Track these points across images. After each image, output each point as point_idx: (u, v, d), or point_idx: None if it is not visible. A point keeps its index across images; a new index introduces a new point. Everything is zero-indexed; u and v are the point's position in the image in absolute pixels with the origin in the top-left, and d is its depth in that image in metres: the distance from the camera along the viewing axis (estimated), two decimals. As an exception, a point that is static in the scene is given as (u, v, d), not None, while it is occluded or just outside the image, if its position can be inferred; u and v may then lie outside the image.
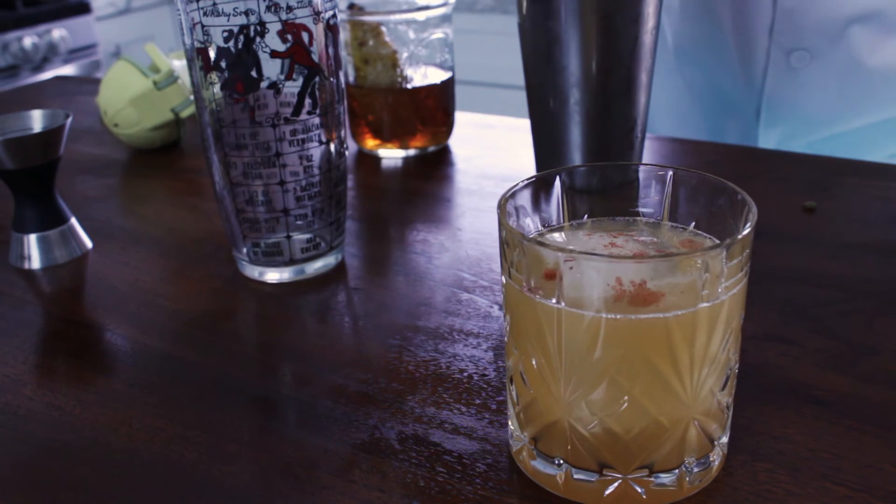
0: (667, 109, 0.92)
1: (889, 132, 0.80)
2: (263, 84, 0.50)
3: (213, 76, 0.50)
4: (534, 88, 0.60)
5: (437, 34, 0.76)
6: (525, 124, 0.73)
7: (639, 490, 0.34)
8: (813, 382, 0.42)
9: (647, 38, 0.56)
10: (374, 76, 0.75)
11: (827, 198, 0.63)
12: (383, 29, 0.74)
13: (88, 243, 0.63)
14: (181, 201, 0.72)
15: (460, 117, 0.85)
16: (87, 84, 1.14)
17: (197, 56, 0.50)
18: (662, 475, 0.34)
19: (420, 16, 0.75)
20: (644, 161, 0.64)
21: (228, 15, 0.48)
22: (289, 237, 0.54)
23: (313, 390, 0.44)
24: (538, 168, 0.64)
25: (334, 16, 0.51)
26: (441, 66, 0.77)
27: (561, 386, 0.33)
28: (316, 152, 0.53)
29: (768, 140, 0.84)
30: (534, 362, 0.34)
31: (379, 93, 0.76)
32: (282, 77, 0.50)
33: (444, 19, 0.76)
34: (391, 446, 0.40)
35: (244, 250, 0.56)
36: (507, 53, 1.61)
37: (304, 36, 0.49)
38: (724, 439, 0.37)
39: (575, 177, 0.39)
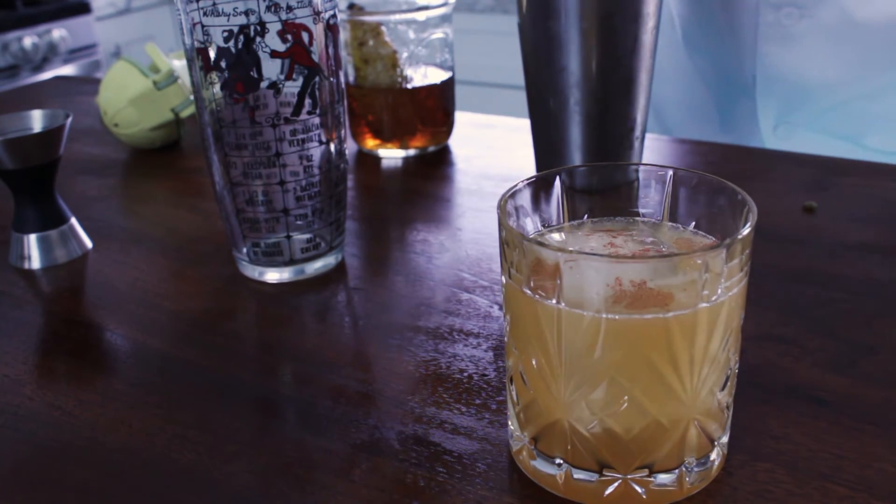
0: (678, 104, 0.92)
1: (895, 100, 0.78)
2: (263, 84, 0.50)
3: (213, 76, 0.50)
4: (534, 88, 0.60)
5: (437, 34, 0.76)
6: (525, 124, 0.73)
7: (639, 490, 0.34)
8: (813, 382, 0.42)
9: (647, 38, 0.56)
10: (374, 76, 0.75)
11: (827, 198, 0.63)
12: (383, 29, 0.74)
13: (88, 243, 0.63)
14: (181, 201, 0.72)
15: (460, 117, 0.85)
16: (87, 84, 1.14)
17: (197, 56, 0.50)
18: (662, 475, 0.34)
19: (420, 16, 0.75)
20: (644, 161, 0.64)
21: (228, 15, 0.48)
22: (289, 237, 0.54)
23: (313, 390, 0.44)
24: (538, 168, 0.64)
25: (334, 16, 0.51)
26: (441, 66, 0.77)
27: (561, 386, 0.33)
28: (316, 152, 0.53)
29: (767, 114, 0.82)
30: (534, 362, 0.34)
31: (379, 93, 0.76)
32: (282, 77, 0.50)
33: (444, 19, 0.76)
34: (391, 446, 0.40)
35: (244, 250, 0.56)
36: (507, 53, 1.61)
37: (304, 36, 0.49)
38: (724, 439, 0.37)
39: (575, 177, 0.39)
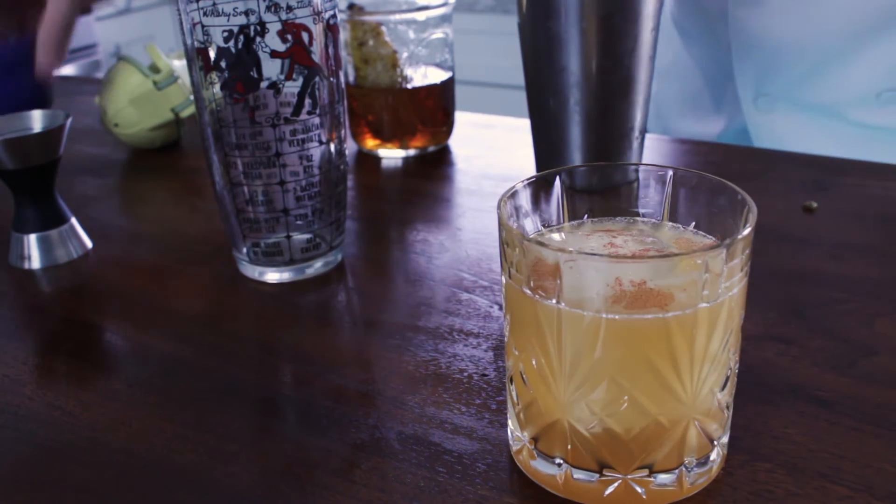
0: (682, 102, 0.92)
1: (870, 68, 0.77)
2: (263, 84, 0.50)
3: (213, 76, 0.50)
4: (534, 88, 0.60)
5: (437, 34, 0.76)
6: (525, 124, 0.73)
7: (639, 490, 0.34)
8: (813, 382, 0.42)
9: (647, 37, 0.56)
10: (374, 76, 0.75)
11: (827, 198, 0.63)
12: (383, 29, 0.74)
13: (88, 243, 0.63)
14: (181, 201, 0.72)
15: (460, 117, 0.85)
16: (87, 84, 1.14)
17: (197, 56, 0.50)
18: (662, 475, 0.34)
19: (420, 16, 0.75)
20: (644, 161, 0.64)
21: (228, 15, 0.48)
22: (289, 237, 0.54)
23: (313, 390, 0.44)
24: (538, 168, 0.64)
25: (334, 16, 0.51)
26: (441, 66, 0.77)
27: (561, 386, 0.33)
28: (316, 152, 0.53)
29: (746, 85, 0.82)
30: (534, 362, 0.34)
31: (379, 93, 0.76)
32: (282, 77, 0.50)
33: (444, 19, 0.76)
34: (391, 446, 0.40)
35: (244, 250, 0.56)
36: (507, 53, 1.61)
37: (304, 36, 0.49)
38: (724, 439, 0.37)
39: (575, 177, 0.39)
